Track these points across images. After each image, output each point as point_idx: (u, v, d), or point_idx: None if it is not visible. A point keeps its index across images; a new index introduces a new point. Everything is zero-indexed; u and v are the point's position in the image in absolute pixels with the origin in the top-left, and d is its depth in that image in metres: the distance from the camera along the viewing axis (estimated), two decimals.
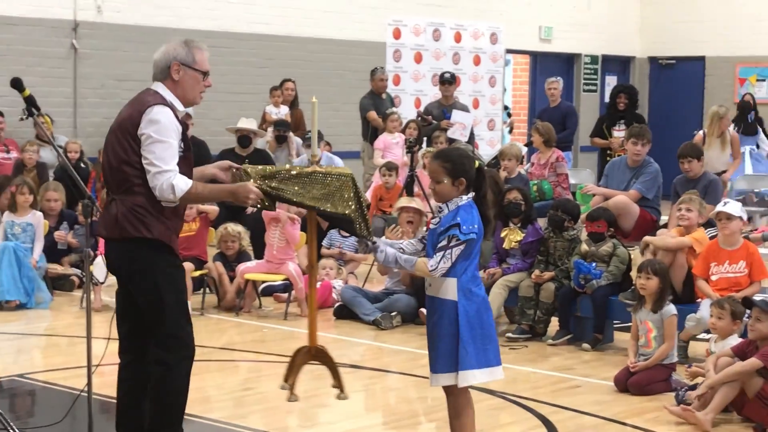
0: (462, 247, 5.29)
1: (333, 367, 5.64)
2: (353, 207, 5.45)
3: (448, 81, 14.79)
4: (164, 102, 5.35)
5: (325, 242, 11.16)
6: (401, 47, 18.32)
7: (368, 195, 13.38)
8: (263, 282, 10.59)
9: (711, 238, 8.59)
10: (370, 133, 14.88)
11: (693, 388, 7.00)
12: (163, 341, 5.35)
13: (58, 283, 10.74)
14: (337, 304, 10.09)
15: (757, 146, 15.88)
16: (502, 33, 19.68)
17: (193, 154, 5.49)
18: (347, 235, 10.79)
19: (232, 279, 10.25)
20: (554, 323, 9.06)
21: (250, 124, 12.31)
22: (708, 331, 7.72)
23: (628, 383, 7.48)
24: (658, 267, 7.69)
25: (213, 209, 10.40)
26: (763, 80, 20.61)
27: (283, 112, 14.92)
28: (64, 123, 14.33)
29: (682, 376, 7.55)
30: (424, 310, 8.39)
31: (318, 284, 10.37)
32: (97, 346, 5.63)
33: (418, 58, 18.58)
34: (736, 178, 14.82)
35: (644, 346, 7.61)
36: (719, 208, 8.29)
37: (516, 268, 9.22)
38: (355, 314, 9.80)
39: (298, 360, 5.56)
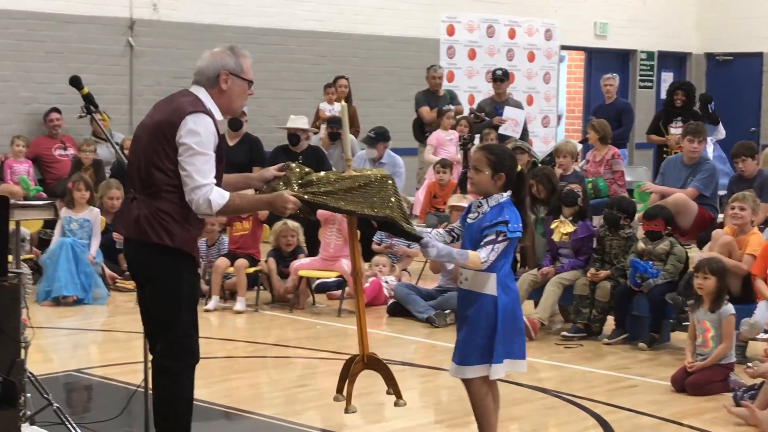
0: (506, 243, 5.39)
1: (388, 374, 5.60)
2: (393, 208, 5.39)
3: (500, 78, 14.72)
4: (204, 110, 5.21)
5: (376, 238, 11.15)
6: (455, 44, 18.26)
7: (421, 192, 13.37)
8: (317, 279, 10.61)
9: None
10: (417, 129, 14.88)
11: (752, 388, 6.92)
12: (169, 349, 5.26)
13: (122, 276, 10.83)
14: (390, 302, 10.08)
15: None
16: (557, 29, 19.56)
17: (224, 164, 5.33)
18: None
19: (287, 276, 10.27)
20: (610, 322, 8.99)
21: (300, 121, 12.32)
22: (767, 331, 7.63)
23: (686, 383, 7.40)
24: (716, 266, 7.60)
25: (263, 212, 10.43)
26: None
27: (336, 109, 14.93)
28: (120, 120, 14.44)
29: (740, 376, 7.46)
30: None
31: (367, 283, 10.39)
32: None
33: (472, 55, 18.52)
34: None
35: (702, 345, 7.53)
36: None
37: (570, 266, 9.16)
38: (409, 312, 9.78)
39: (352, 370, 5.51)
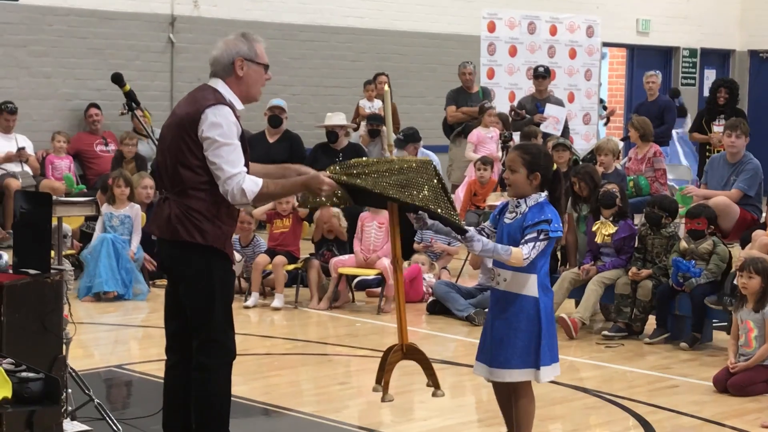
0: (546, 242, 5.38)
1: (427, 365, 5.57)
2: (435, 192, 5.28)
3: (542, 75, 14.66)
4: (223, 101, 5.19)
5: (416, 237, 11.13)
6: (495, 40, 18.21)
7: (461, 189, 13.33)
8: (356, 276, 10.61)
9: None
10: (446, 127, 14.84)
11: None
12: (206, 346, 5.25)
13: (155, 275, 10.87)
14: (430, 300, 10.06)
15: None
16: (599, 26, 19.45)
17: (248, 153, 5.29)
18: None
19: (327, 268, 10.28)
20: (651, 321, 8.92)
21: (337, 118, 12.30)
22: None
23: (728, 384, 7.33)
24: (761, 266, 7.52)
25: (303, 210, 10.44)
26: None
27: (376, 106, 14.93)
28: (161, 116, 14.39)
29: None
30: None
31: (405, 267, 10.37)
32: None
33: (513, 52, 18.46)
34: None
35: (744, 346, 7.45)
36: None
37: (611, 265, 9.10)
38: (448, 310, 9.76)
39: (390, 359, 5.48)
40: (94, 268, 10.24)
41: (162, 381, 5.58)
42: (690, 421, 6.77)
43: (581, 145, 17.90)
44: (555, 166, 5.58)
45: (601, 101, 20.35)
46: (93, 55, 14.20)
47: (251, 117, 12.76)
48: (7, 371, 4.16)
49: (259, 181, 5.17)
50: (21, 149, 12.95)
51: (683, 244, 8.78)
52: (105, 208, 10.62)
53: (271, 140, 12.64)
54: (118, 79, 5.85)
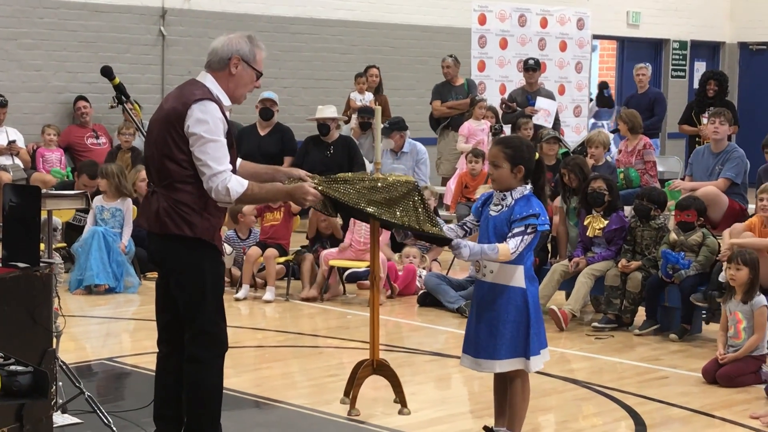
0: (533, 235, 5.42)
1: (395, 381, 5.59)
2: (416, 210, 5.34)
3: (532, 68, 14.66)
4: (210, 97, 5.20)
5: None
6: (486, 33, 18.21)
7: (452, 181, 13.35)
8: (348, 269, 10.63)
9: None
10: (432, 120, 14.87)
11: None
12: (197, 338, 5.27)
13: (146, 268, 10.87)
14: (421, 292, 10.09)
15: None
16: (589, 18, 19.46)
17: (236, 149, 5.33)
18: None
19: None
20: (641, 313, 8.95)
21: (328, 110, 12.29)
22: None
23: (717, 375, 7.36)
24: (749, 257, 7.55)
25: (296, 206, 10.45)
26: None
27: (367, 98, 14.92)
28: (151, 109, 14.29)
29: None
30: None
31: (401, 270, 10.41)
32: None
33: (504, 44, 18.46)
34: None
35: (733, 337, 7.48)
36: None
37: (601, 257, 9.13)
38: (439, 302, 9.78)
39: (360, 374, 5.50)
40: (85, 261, 10.24)
41: (153, 373, 5.59)
42: (679, 412, 6.80)
43: (572, 138, 17.92)
44: (537, 155, 5.60)
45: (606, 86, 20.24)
46: (84, 48, 14.17)
47: (243, 110, 12.78)
48: None
49: (245, 183, 5.18)
50: (12, 142, 12.93)
51: (673, 235, 8.81)
52: (96, 201, 10.62)
53: (262, 133, 12.63)
54: (107, 72, 5.85)
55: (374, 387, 7.09)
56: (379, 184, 5.34)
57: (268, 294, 10.07)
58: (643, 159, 11.25)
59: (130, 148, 12.78)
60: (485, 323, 5.52)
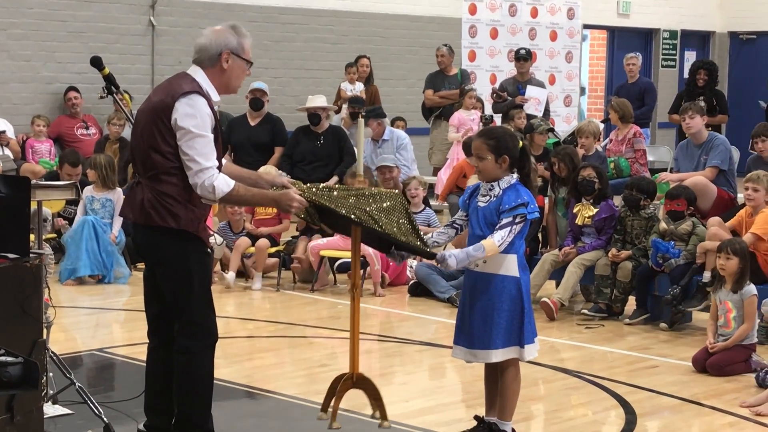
0: (523, 224, 5.43)
1: (375, 395, 5.56)
2: (400, 221, 5.33)
3: (523, 57, 14.65)
4: (200, 91, 5.19)
5: None
6: (477, 23, 18.20)
7: (444, 172, 13.35)
8: (338, 259, 10.62)
9: None
10: (425, 109, 14.88)
11: None
12: (187, 328, 5.27)
13: (136, 258, 10.85)
14: (411, 282, 10.09)
15: None
16: (579, 8, 19.46)
17: (222, 142, 5.31)
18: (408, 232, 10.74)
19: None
20: (631, 302, 8.97)
21: (319, 100, 12.28)
22: None
23: (707, 364, 7.38)
24: (738, 247, 7.57)
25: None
26: None
27: (358, 88, 14.91)
28: (141, 99, 14.37)
29: (762, 357, 7.44)
30: None
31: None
32: None
33: (494, 34, 18.45)
34: None
35: (723, 326, 7.50)
36: None
37: (591, 246, 9.14)
38: (430, 292, 9.79)
39: (340, 387, 5.48)
40: (76, 251, 10.23)
41: (143, 364, 5.59)
42: (669, 401, 6.82)
43: (562, 127, 17.93)
44: (521, 143, 5.60)
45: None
46: (73, 38, 14.14)
47: (233, 100, 12.74)
48: None
49: (231, 183, 5.18)
50: (1, 133, 12.90)
51: (663, 225, 8.82)
52: (86, 191, 10.61)
53: (252, 123, 12.62)
54: (96, 62, 5.83)
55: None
56: (366, 192, 5.34)
57: (257, 282, 10.07)
58: (633, 148, 11.26)
59: (118, 138, 12.76)
60: (479, 313, 5.52)
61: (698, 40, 21.69)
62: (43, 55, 13.99)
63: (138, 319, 8.91)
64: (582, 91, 20.21)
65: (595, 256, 9.07)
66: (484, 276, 5.52)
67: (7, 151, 12.88)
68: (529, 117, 13.39)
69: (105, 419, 5.81)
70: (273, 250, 10.37)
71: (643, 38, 20.81)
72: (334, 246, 10.17)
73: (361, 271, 10.09)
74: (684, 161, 10.31)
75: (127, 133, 13.11)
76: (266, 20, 15.58)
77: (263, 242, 10.21)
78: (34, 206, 5.67)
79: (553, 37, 19.21)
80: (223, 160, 5.42)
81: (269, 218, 10.44)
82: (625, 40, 20.35)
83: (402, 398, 6.78)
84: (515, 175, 5.53)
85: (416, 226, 5.40)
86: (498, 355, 5.53)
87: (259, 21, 15.33)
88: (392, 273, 10.31)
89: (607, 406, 6.71)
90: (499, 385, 5.65)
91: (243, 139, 12.49)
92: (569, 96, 19.59)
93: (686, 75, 15.75)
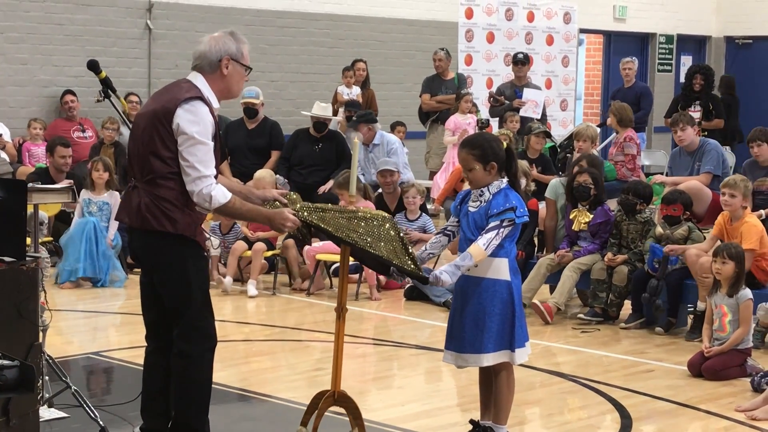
0: (511, 228, 5.44)
1: (356, 414, 5.56)
2: (393, 244, 5.34)
3: (521, 62, 14.67)
4: (202, 97, 5.21)
5: None
6: (473, 27, 18.21)
7: (440, 176, 13.36)
8: (334, 262, 10.63)
9: None
10: (422, 113, 14.90)
11: None
12: (186, 333, 5.26)
13: (132, 262, 10.84)
14: (407, 286, 10.09)
15: None
16: (576, 12, 19.48)
17: (219, 151, 5.30)
18: (412, 220, 10.75)
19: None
20: (627, 306, 8.98)
21: (326, 109, 12.39)
22: None
23: (702, 368, 7.39)
24: (734, 251, 7.58)
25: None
26: None
27: (354, 92, 14.92)
28: (139, 103, 14.45)
29: (757, 361, 7.45)
30: None
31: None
32: None
33: (491, 38, 18.46)
34: None
35: (719, 330, 7.51)
36: None
37: (587, 250, 9.15)
38: (426, 295, 9.80)
39: (322, 405, 5.48)
40: (72, 253, 10.23)
41: (139, 368, 5.59)
42: (665, 405, 6.82)
43: (558, 131, 17.94)
44: (505, 144, 5.62)
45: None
46: (70, 42, 14.13)
47: (230, 104, 12.69)
48: None
49: (228, 195, 5.19)
50: None
51: (659, 229, 8.83)
52: (83, 194, 10.61)
53: (249, 127, 12.64)
54: (93, 66, 5.84)
55: (361, 380, 7.13)
56: (358, 214, 5.35)
57: (251, 287, 10.05)
58: (623, 151, 11.27)
59: (113, 142, 12.76)
60: (470, 317, 5.53)
61: (694, 44, 21.71)
62: (39, 59, 13.98)
63: (134, 322, 8.92)
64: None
65: (591, 260, 9.08)
66: (475, 280, 5.53)
67: (4, 155, 12.85)
68: (527, 120, 13.42)
69: (101, 423, 5.82)
70: (269, 253, 10.37)
71: (639, 43, 20.83)
72: (330, 250, 10.17)
73: (357, 275, 10.16)
74: (678, 169, 10.35)
75: (121, 137, 13.12)
76: (263, 24, 15.58)
77: (260, 246, 10.21)
78: (30, 209, 5.68)
79: (550, 41, 19.22)
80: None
81: None
82: (621, 45, 20.37)
83: (398, 402, 6.79)
84: (505, 179, 5.55)
85: (409, 250, 5.41)
86: (489, 359, 5.54)
87: (256, 25, 15.33)
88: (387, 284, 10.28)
89: (603, 410, 6.71)
90: (494, 389, 5.66)
91: (240, 143, 12.49)
92: (565, 100, 19.60)
93: (682, 79, 15.79)
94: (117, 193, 10.77)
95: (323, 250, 10.14)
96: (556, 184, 9.77)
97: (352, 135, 12.86)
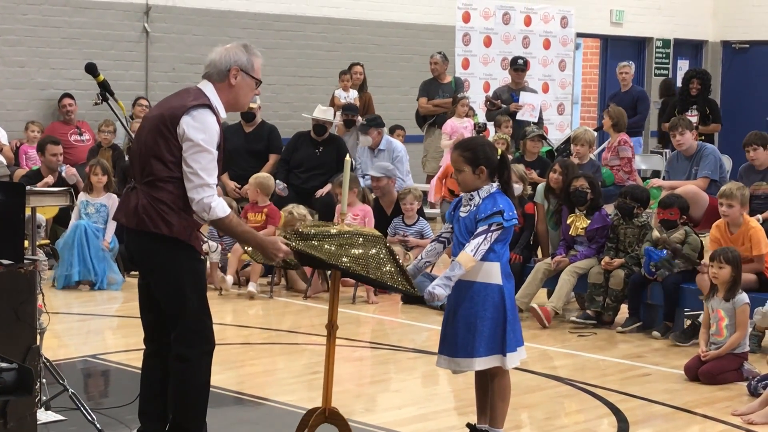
0: (500, 231, 5.45)
1: (346, 430, 5.57)
2: (391, 270, 5.33)
3: (521, 68, 14.69)
4: (209, 105, 5.22)
5: (389, 230, 11.15)
6: (470, 31, 18.23)
7: (436, 179, 13.37)
8: None
9: None
10: (419, 117, 14.93)
11: (766, 378, 6.91)
12: (183, 336, 5.26)
13: (129, 265, 10.84)
14: None
15: None
16: (573, 16, 19.50)
17: (222, 160, 5.31)
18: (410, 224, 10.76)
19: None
20: (624, 310, 8.99)
21: (327, 113, 12.42)
22: None
23: (699, 372, 7.40)
24: (731, 255, 7.59)
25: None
26: None
27: (351, 96, 14.94)
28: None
29: (754, 365, 7.46)
30: None
31: None
32: None
33: (488, 42, 18.48)
34: None
35: (716, 334, 7.52)
36: None
37: (583, 255, 9.16)
38: (423, 299, 9.76)
39: (312, 422, 5.49)
40: (69, 256, 10.23)
41: (136, 370, 5.59)
42: (661, 409, 6.83)
43: (555, 135, 17.96)
44: (499, 150, 5.63)
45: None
46: (67, 45, 14.14)
47: None
48: None
49: (227, 210, 5.20)
50: None
51: (655, 233, 8.84)
52: (81, 196, 10.61)
53: (247, 130, 12.66)
54: (91, 69, 5.84)
55: (358, 384, 7.13)
56: (351, 239, 5.32)
57: (252, 287, 10.07)
58: (618, 155, 11.29)
59: (110, 146, 12.76)
60: (462, 321, 5.54)
61: (691, 49, 21.74)
62: (37, 62, 13.98)
63: (131, 325, 8.92)
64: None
65: (588, 264, 9.09)
66: (466, 284, 5.53)
67: (1, 158, 12.87)
68: (524, 124, 13.44)
69: (98, 425, 5.82)
70: None
71: (636, 47, 20.85)
72: None
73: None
74: (675, 174, 10.36)
75: (119, 140, 13.12)
76: (260, 27, 15.60)
77: None
78: (28, 212, 5.68)
79: (547, 45, 19.24)
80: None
81: (259, 225, 10.44)
82: (618, 49, 20.40)
83: (395, 405, 6.80)
84: (495, 184, 5.55)
85: (403, 269, 5.39)
86: (481, 363, 5.54)
87: (253, 28, 15.34)
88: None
89: (600, 414, 6.72)
90: (489, 392, 5.67)
91: (238, 146, 12.51)
92: (562, 104, 19.62)
93: (679, 84, 15.80)
94: (115, 195, 10.77)
95: None
96: (543, 188, 9.79)
97: (362, 139, 12.91)
